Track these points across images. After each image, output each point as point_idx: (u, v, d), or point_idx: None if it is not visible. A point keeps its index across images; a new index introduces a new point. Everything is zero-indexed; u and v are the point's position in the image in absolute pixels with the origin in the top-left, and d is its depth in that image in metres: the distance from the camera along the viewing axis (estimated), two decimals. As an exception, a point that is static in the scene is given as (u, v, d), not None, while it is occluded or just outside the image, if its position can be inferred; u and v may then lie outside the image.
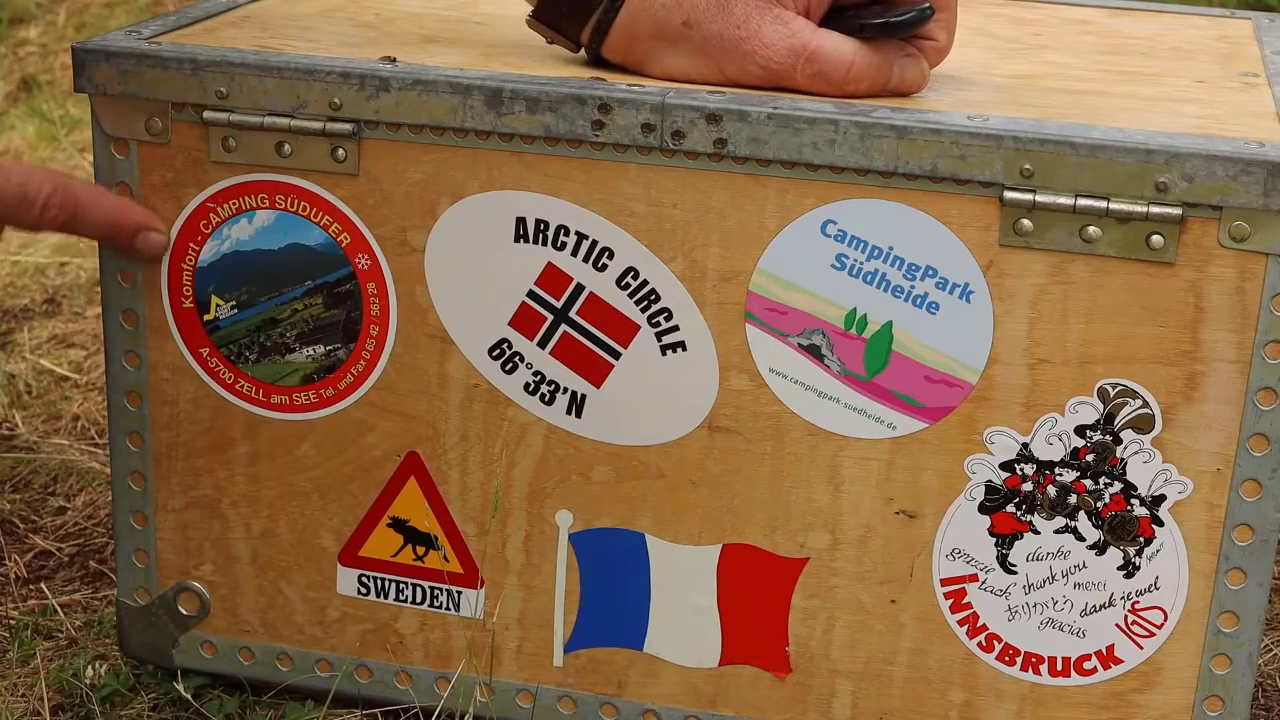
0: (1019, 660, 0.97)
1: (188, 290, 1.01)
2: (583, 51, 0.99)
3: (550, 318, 0.97)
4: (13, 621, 1.17)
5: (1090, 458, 0.93)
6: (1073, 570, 0.95)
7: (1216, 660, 0.94)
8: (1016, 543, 0.95)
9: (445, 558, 1.03)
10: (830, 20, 0.95)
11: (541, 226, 0.96)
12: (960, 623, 0.97)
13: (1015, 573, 0.95)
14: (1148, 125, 0.91)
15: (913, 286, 0.92)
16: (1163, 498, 0.92)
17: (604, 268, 0.96)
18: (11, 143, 2.07)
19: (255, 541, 1.05)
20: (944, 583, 0.96)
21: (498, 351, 0.98)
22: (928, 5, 0.93)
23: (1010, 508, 0.94)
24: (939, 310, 0.92)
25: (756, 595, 0.99)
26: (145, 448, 1.04)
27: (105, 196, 0.98)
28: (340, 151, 0.97)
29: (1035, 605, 0.96)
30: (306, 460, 1.03)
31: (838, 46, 0.93)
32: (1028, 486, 0.94)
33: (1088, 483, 0.93)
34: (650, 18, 0.94)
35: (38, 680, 1.09)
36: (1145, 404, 0.91)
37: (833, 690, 1.00)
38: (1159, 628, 0.95)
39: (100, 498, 1.33)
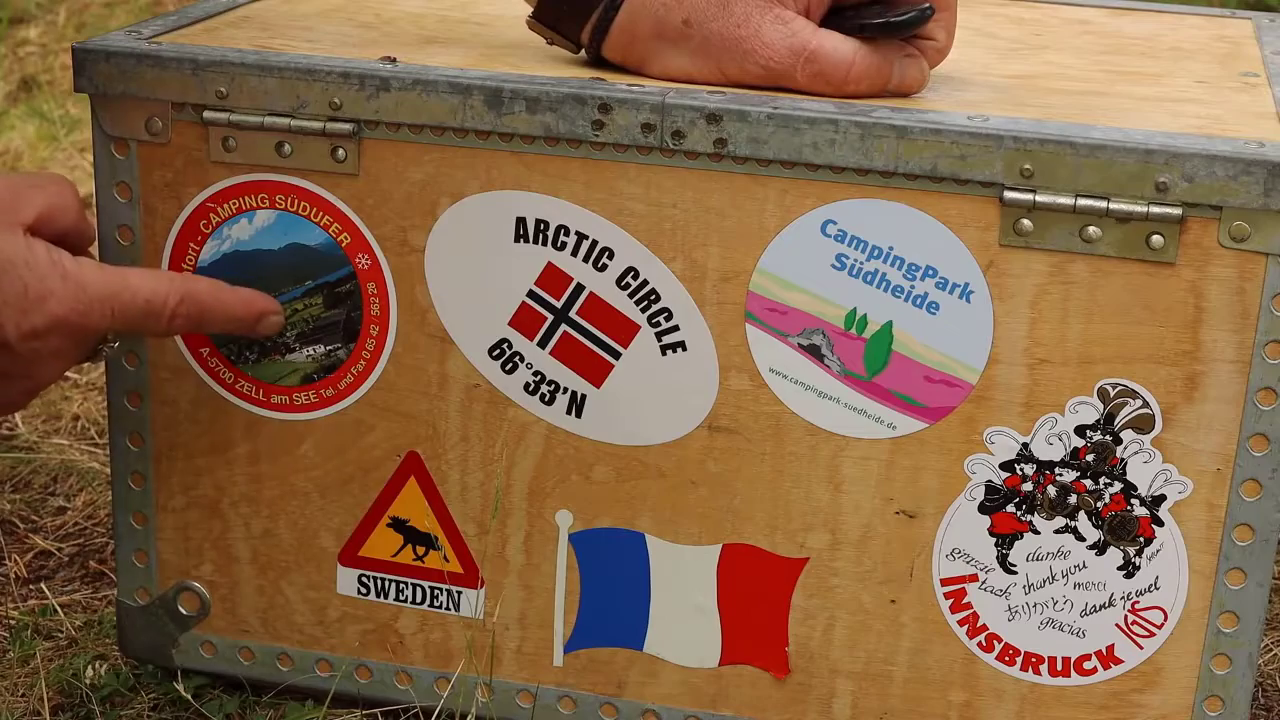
0: (1019, 660, 0.97)
1: (188, 290, 1.01)
2: (583, 52, 0.99)
3: (550, 318, 0.97)
4: (13, 621, 1.17)
5: (1090, 458, 0.93)
6: (1073, 570, 0.95)
7: (1216, 660, 0.94)
8: (1016, 543, 0.95)
9: (445, 558, 1.03)
10: (830, 20, 0.95)
11: (541, 226, 0.96)
12: (960, 623, 0.97)
13: (1015, 573, 0.95)
14: (1148, 125, 0.91)
15: (913, 286, 0.92)
16: (1163, 498, 0.92)
17: (604, 268, 0.96)
18: (11, 143, 2.07)
19: (255, 541, 1.05)
20: (944, 583, 0.96)
21: (498, 351, 0.98)
22: (928, 5, 0.93)
23: (1010, 508, 0.94)
24: (939, 310, 0.92)
25: (756, 595, 0.99)
26: (145, 448, 1.05)
27: (226, 293, 0.96)
28: (340, 151, 0.97)
29: (1035, 605, 0.96)
30: (306, 460, 1.03)
31: (838, 46, 0.93)
32: (1028, 486, 0.94)
33: (1088, 483, 0.93)
34: (651, 17, 0.94)
35: (38, 680, 1.09)
36: (1145, 404, 0.91)
37: (833, 690, 1.00)
38: (1159, 628, 0.95)
39: (100, 498, 1.33)
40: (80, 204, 0.94)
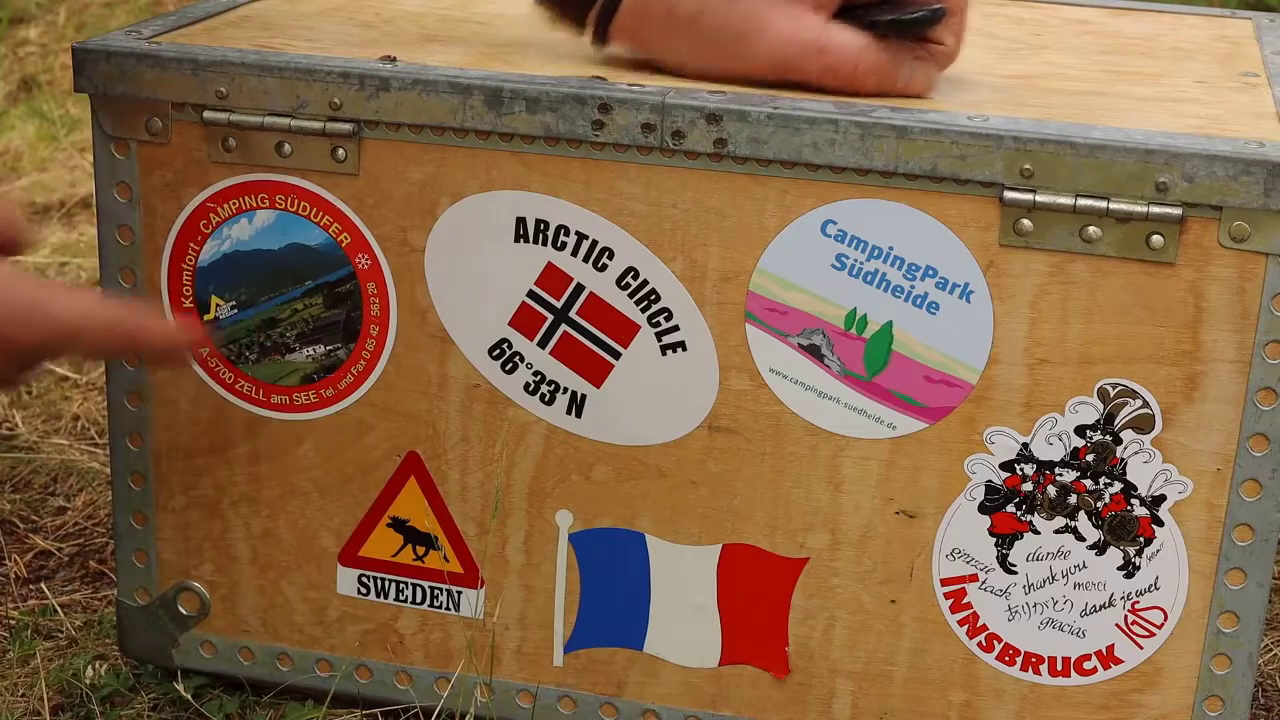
0: (1019, 660, 0.97)
1: (188, 290, 1.01)
2: (587, 35, 0.98)
3: (550, 318, 0.97)
4: (13, 621, 1.17)
5: (1090, 458, 0.93)
6: (1073, 570, 0.95)
7: (1216, 660, 0.94)
8: (1016, 543, 0.95)
9: (445, 558, 1.03)
10: (842, 18, 0.95)
11: (541, 226, 0.96)
12: (960, 623, 0.97)
13: (1015, 573, 0.95)
14: (1148, 125, 0.91)
15: (913, 286, 0.92)
16: (1163, 498, 0.92)
17: (604, 268, 0.96)
18: (11, 143, 2.07)
19: (255, 541, 1.05)
20: (944, 583, 0.96)
21: (498, 351, 0.98)
22: (939, 6, 0.93)
23: (1010, 508, 0.94)
24: (939, 310, 0.92)
25: (756, 595, 0.99)
26: (145, 448, 1.04)
27: (154, 324, 0.93)
28: (340, 151, 0.97)
29: (1035, 605, 0.96)
30: (306, 460, 1.03)
31: (848, 41, 0.93)
32: (1028, 486, 0.94)
33: (1088, 483, 0.93)
34: (662, 1, 0.94)
35: (38, 680, 1.09)
36: (1145, 404, 0.91)
37: (833, 690, 1.00)
38: (1159, 628, 0.95)
39: (100, 498, 1.33)
40: (16, 212, 0.92)
